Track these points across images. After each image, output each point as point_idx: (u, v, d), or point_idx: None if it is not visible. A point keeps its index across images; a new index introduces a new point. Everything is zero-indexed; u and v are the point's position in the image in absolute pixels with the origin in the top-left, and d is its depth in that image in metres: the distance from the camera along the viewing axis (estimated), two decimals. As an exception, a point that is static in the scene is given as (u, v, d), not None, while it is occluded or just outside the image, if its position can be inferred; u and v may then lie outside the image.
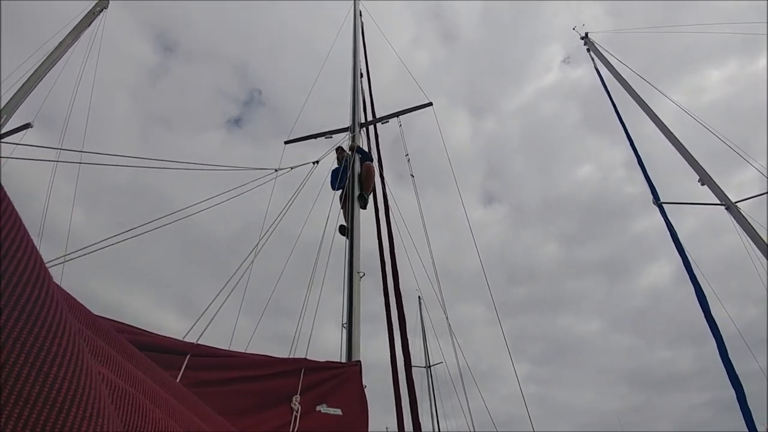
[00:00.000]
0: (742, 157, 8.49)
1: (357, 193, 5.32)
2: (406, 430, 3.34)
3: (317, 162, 5.44)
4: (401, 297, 4.29)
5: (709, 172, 8.33)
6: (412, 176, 6.29)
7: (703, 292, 6.89)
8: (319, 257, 4.27)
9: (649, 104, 9.67)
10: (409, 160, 6.49)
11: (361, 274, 4.42)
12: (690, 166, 8.57)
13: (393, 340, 3.88)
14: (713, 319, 6.65)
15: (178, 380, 2.09)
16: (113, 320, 1.97)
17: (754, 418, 5.92)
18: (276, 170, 5.01)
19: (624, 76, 10.40)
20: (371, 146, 6.58)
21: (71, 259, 2.91)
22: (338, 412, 2.67)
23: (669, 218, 7.98)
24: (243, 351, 2.96)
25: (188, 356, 2.26)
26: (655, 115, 9.43)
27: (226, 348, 2.86)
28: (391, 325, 4.02)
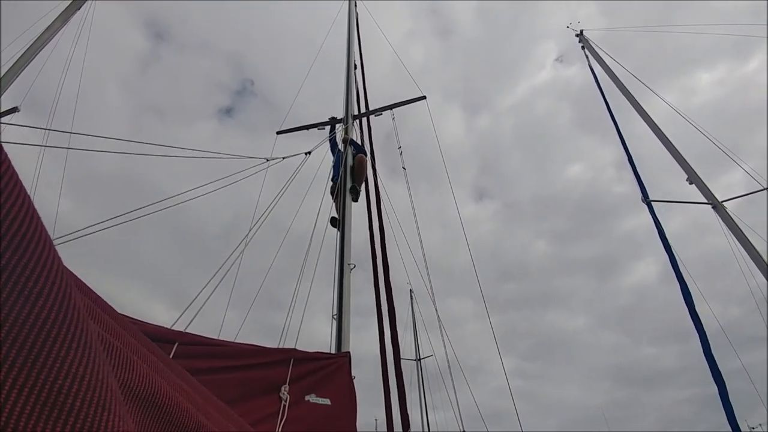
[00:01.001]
0: (730, 158, 8.62)
1: (349, 185, 5.31)
2: (394, 421, 3.37)
3: (309, 153, 5.41)
4: (391, 289, 4.30)
5: (697, 172, 8.46)
6: (404, 168, 6.29)
7: (688, 289, 7.00)
8: (310, 249, 4.27)
9: (641, 103, 9.77)
10: (401, 153, 6.49)
11: (352, 266, 4.42)
12: (679, 164, 8.68)
13: (383, 331, 3.90)
14: (698, 316, 6.76)
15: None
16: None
17: (736, 414, 6.04)
18: (268, 160, 4.97)
19: (617, 75, 10.50)
20: (364, 139, 6.56)
21: (59, 245, 2.87)
22: (327, 401, 2.68)
23: (657, 216, 8.09)
24: (232, 341, 2.95)
25: (176, 344, 2.24)
26: (647, 114, 9.52)
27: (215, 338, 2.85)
28: (381, 317, 4.03)
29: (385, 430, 3.38)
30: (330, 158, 6.03)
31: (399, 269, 5.22)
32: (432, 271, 5.32)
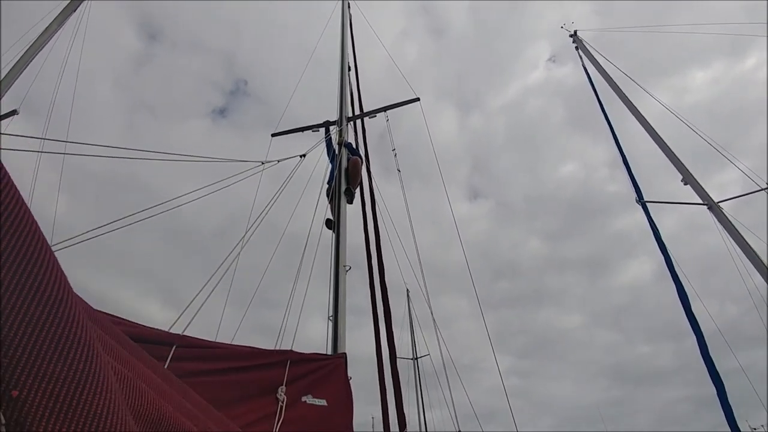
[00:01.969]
0: (725, 157, 8.63)
1: (344, 187, 5.33)
2: (390, 420, 3.39)
3: (304, 155, 5.42)
4: (387, 290, 4.32)
5: (691, 173, 8.47)
6: (399, 171, 6.31)
7: (684, 289, 6.99)
8: (305, 251, 4.28)
9: (634, 103, 9.80)
10: (395, 155, 6.51)
11: (347, 268, 4.44)
12: (673, 165, 8.69)
13: (378, 331, 3.92)
14: (694, 316, 6.75)
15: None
16: (105, 312, 1.97)
17: (735, 415, 6.02)
18: (263, 163, 4.99)
19: (611, 75, 10.54)
20: (358, 140, 6.58)
21: (57, 251, 2.88)
22: (323, 402, 2.69)
23: (652, 217, 8.10)
24: (229, 343, 2.96)
25: (174, 347, 2.26)
26: (641, 114, 9.54)
27: (212, 340, 2.86)
28: (377, 317, 4.05)
29: (382, 429, 3.40)
30: (325, 160, 6.05)
31: (394, 269, 5.25)
32: (426, 271, 5.35)
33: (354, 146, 6.26)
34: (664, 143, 8.95)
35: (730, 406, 6.01)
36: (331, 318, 3.94)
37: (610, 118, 9.86)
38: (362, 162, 5.75)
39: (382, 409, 3.43)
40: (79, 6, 9.26)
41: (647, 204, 8.29)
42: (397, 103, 7.02)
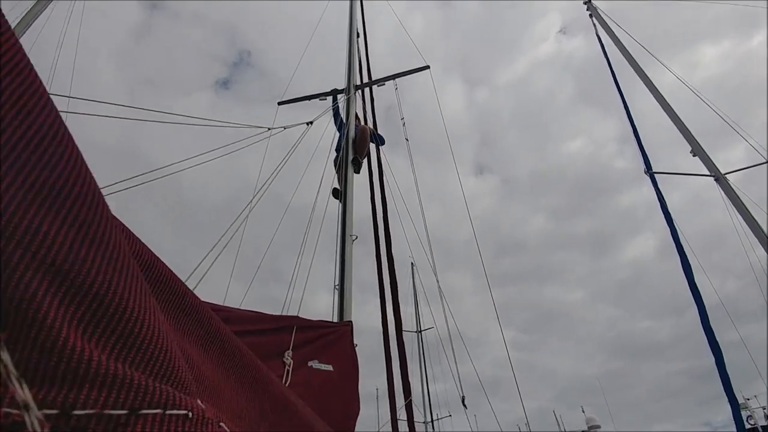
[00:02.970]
0: (734, 129, 8.55)
1: (351, 156, 5.28)
2: (396, 390, 3.45)
3: (311, 123, 5.36)
4: (393, 260, 4.33)
5: (701, 145, 8.42)
6: (407, 140, 6.25)
7: (688, 260, 7.07)
8: (311, 221, 4.27)
9: (647, 74, 9.64)
10: (404, 124, 6.44)
11: (354, 237, 4.43)
12: (683, 136, 8.63)
13: (384, 302, 3.95)
14: (696, 286, 6.83)
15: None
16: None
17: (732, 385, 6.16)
18: (269, 129, 4.93)
19: (625, 46, 10.31)
20: (366, 110, 6.50)
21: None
22: (329, 368, 2.74)
23: (659, 188, 8.09)
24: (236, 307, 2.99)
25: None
26: (653, 85, 9.40)
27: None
28: (383, 288, 4.08)
29: (387, 399, 3.47)
30: (332, 129, 5.99)
31: (399, 242, 5.25)
32: (432, 245, 5.36)
33: (361, 117, 6.19)
34: (675, 114, 8.87)
35: (727, 374, 6.15)
36: (337, 287, 3.96)
37: (622, 89, 9.71)
38: (370, 130, 5.69)
39: (388, 379, 3.49)
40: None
41: (655, 175, 8.29)
42: (407, 71, 6.89)
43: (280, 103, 6.69)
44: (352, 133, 5.55)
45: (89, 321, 0.43)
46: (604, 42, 10.74)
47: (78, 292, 0.42)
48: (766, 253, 7.01)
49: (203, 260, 3.17)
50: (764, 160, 8.06)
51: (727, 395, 6.12)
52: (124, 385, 0.43)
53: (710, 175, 8.08)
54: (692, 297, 6.77)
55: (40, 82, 0.50)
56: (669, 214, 7.64)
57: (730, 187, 7.77)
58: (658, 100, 9.19)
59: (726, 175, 7.94)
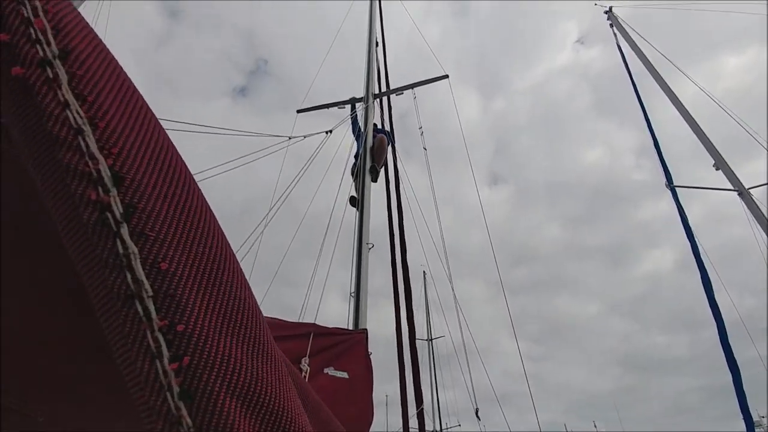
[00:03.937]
0: (762, 145, 8.36)
1: (369, 165, 5.33)
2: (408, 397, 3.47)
3: (330, 131, 5.43)
4: (408, 268, 4.35)
5: (724, 158, 8.27)
6: (425, 149, 6.29)
7: (708, 277, 6.94)
8: (328, 229, 4.32)
9: (669, 86, 9.51)
10: (422, 133, 6.47)
11: (371, 246, 4.47)
12: (706, 149, 8.48)
13: (399, 310, 3.97)
14: (716, 304, 6.71)
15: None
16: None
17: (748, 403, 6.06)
18: (289, 138, 5.01)
19: (646, 56, 10.19)
20: (384, 118, 6.54)
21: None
22: (345, 375, 2.78)
23: (681, 202, 7.97)
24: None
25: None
26: (675, 97, 9.26)
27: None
28: (398, 295, 4.10)
29: (396, 405, 3.48)
30: (350, 138, 6.05)
31: (415, 249, 5.26)
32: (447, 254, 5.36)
33: (379, 126, 6.24)
34: (698, 126, 8.72)
35: (744, 392, 6.06)
36: (353, 294, 4.00)
37: (642, 100, 9.59)
38: (388, 141, 5.73)
39: (401, 386, 3.50)
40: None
41: (676, 189, 8.15)
42: (426, 80, 6.93)
43: (299, 111, 6.77)
44: (369, 142, 5.60)
45: None
46: (624, 51, 10.64)
47: (260, 410, 0.44)
48: None
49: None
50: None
51: (742, 413, 6.02)
52: None
53: (734, 190, 7.95)
54: (711, 313, 6.65)
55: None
56: (690, 229, 7.51)
57: (754, 202, 7.63)
58: (680, 112, 9.05)
59: (750, 190, 7.81)
